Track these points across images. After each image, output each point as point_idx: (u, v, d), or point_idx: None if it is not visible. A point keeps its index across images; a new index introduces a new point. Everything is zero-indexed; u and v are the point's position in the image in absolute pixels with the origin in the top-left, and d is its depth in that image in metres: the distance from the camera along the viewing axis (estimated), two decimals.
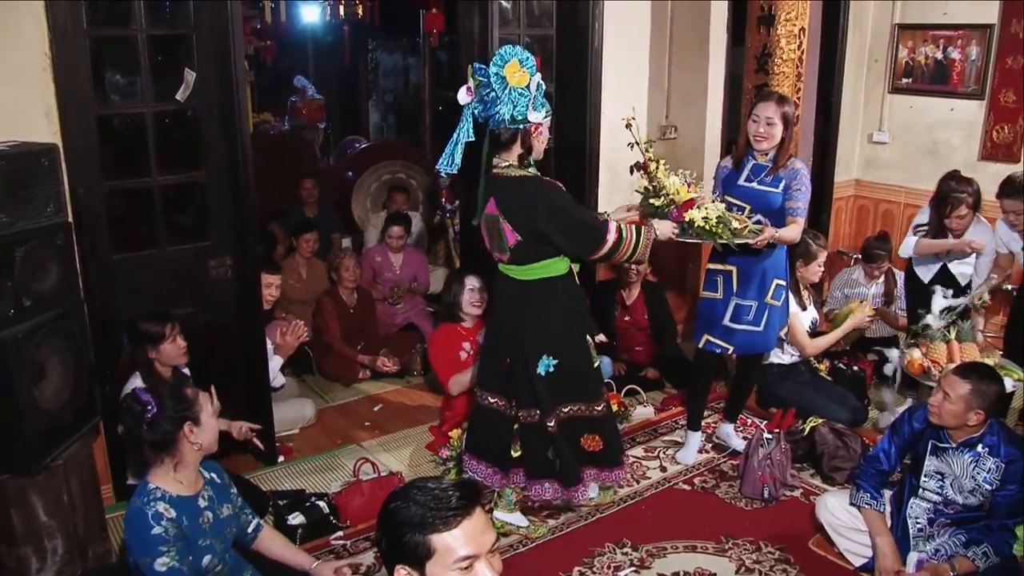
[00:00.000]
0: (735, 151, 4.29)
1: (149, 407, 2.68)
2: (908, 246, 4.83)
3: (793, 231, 4.01)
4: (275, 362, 4.44)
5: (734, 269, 4.16)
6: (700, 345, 4.31)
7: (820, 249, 4.76)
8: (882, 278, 5.51)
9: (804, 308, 4.73)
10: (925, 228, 4.75)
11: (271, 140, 9.32)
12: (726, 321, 4.21)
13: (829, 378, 5.00)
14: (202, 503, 2.79)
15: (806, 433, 4.44)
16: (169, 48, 3.98)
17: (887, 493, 3.60)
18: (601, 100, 5.20)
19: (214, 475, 2.92)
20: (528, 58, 3.34)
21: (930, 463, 3.41)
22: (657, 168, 3.70)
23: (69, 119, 3.56)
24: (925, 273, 4.90)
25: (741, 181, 4.11)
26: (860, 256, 5.68)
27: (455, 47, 6.50)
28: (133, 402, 2.72)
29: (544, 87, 3.41)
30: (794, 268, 4.73)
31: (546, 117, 3.45)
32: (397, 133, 12.19)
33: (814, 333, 4.85)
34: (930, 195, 4.80)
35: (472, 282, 4.57)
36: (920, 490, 3.45)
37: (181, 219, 4.24)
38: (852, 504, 3.57)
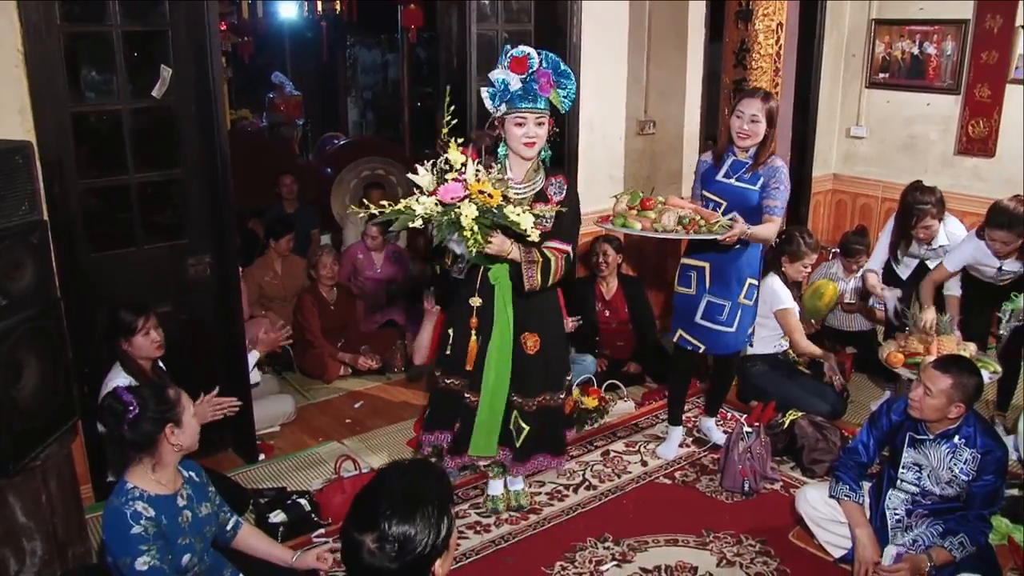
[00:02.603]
0: (716, 146, 4.30)
1: (131, 407, 2.66)
2: (875, 261, 4.98)
3: (769, 229, 4.00)
4: (251, 356, 4.41)
5: (707, 265, 4.15)
6: (675, 340, 4.34)
7: (809, 251, 4.81)
8: (860, 272, 5.53)
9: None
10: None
11: (249, 137, 9.28)
12: (698, 318, 4.22)
13: (808, 371, 5.03)
14: (181, 502, 2.78)
15: (786, 426, 4.47)
16: (145, 44, 3.95)
17: (866, 485, 3.63)
18: (579, 96, 5.19)
19: (192, 473, 2.91)
20: (504, 52, 3.32)
21: (908, 455, 3.44)
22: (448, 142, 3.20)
23: (43, 116, 3.52)
24: (903, 270, 4.94)
25: (719, 177, 4.10)
26: (838, 250, 5.72)
27: (433, 43, 6.51)
28: (115, 401, 2.70)
29: (509, 81, 3.31)
30: (780, 263, 4.77)
31: (508, 113, 3.35)
32: (376, 129, 12.17)
33: None
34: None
35: None
36: (898, 482, 3.49)
37: (158, 217, 4.21)
38: (831, 496, 3.60)
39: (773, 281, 4.77)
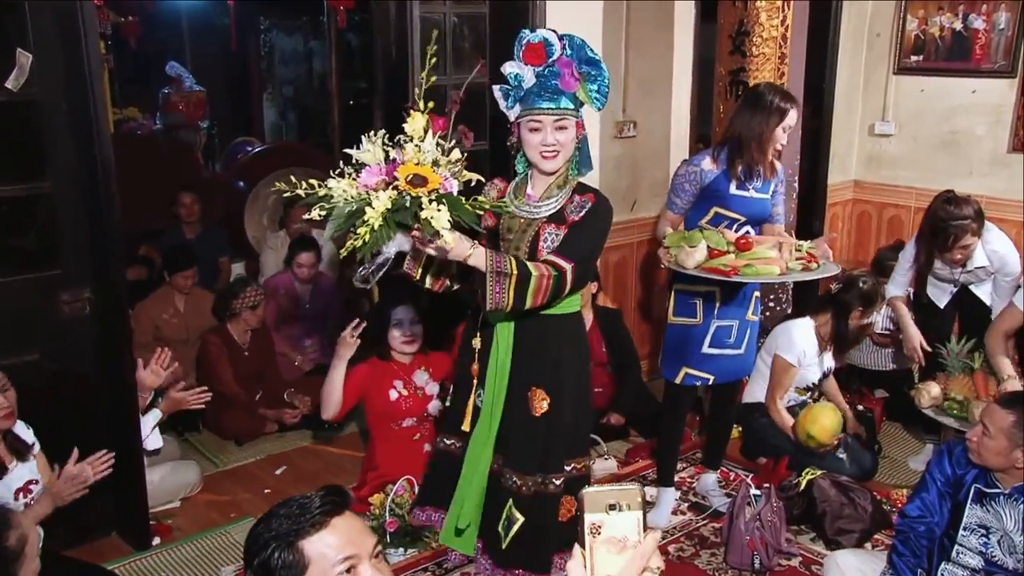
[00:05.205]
0: (735, 158, 4.12)
1: None
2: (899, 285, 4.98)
3: (789, 242, 4.07)
4: (151, 416, 4.29)
5: (717, 290, 4.17)
6: (678, 380, 4.31)
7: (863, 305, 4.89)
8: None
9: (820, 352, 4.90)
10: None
11: (139, 143, 9.19)
12: (705, 348, 4.24)
13: None
14: None
15: (803, 488, 4.44)
16: None
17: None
18: None
19: None
20: (518, 40, 3.26)
21: (972, 513, 3.33)
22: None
23: None
24: (940, 296, 4.91)
25: (735, 190, 4.12)
26: (870, 270, 5.67)
27: (367, 28, 6.48)
28: None
29: (524, 76, 3.26)
30: (848, 315, 4.87)
31: (523, 116, 3.27)
32: (299, 134, 12.14)
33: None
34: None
35: (399, 315, 4.53)
36: (955, 551, 3.36)
37: (20, 242, 4.14)
38: None
39: (795, 327, 4.81)
